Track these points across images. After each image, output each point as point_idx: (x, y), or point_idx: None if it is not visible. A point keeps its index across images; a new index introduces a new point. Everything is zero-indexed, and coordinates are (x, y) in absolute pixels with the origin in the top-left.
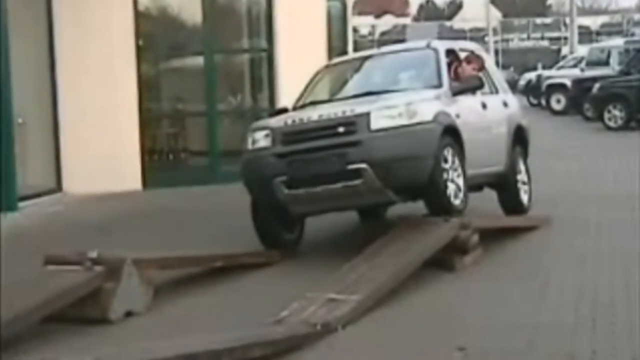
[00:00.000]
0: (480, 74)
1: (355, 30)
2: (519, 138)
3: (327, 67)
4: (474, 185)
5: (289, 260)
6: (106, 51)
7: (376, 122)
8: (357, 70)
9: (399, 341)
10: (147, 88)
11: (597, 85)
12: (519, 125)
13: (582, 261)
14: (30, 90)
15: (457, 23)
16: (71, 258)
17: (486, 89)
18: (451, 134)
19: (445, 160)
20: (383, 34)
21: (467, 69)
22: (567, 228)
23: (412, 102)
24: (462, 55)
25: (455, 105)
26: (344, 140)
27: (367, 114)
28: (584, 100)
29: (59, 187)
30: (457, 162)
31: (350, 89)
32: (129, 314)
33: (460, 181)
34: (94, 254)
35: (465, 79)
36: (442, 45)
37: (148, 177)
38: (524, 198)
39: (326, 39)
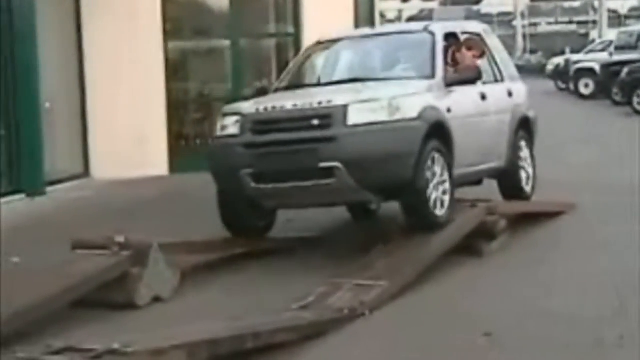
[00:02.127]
0: (481, 62)
1: (382, 15)
2: (525, 130)
3: (318, 44)
4: (470, 181)
5: (314, 246)
6: (134, 36)
7: (354, 117)
8: (347, 51)
9: (426, 326)
10: (174, 73)
11: (625, 70)
12: (524, 117)
13: (608, 247)
14: (57, 75)
15: (484, 7)
16: (98, 243)
17: (490, 76)
18: (439, 132)
19: (430, 165)
20: (410, 18)
21: (467, 56)
22: (594, 214)
23: (396, 96)
24: (465, 39)
25: (448, 98)
26: (317, 135)
27: (345, 107)
28: (613, 85)
29: (86, 172)
30: (443, 167)
31: (336, 72)
32: (155, 299)
33: (446, 189)
34: (121, 239)
35: (462, 69)
36: (441, 29)
37: (175, 162)
38: (526, 187)
39: (353, 24)
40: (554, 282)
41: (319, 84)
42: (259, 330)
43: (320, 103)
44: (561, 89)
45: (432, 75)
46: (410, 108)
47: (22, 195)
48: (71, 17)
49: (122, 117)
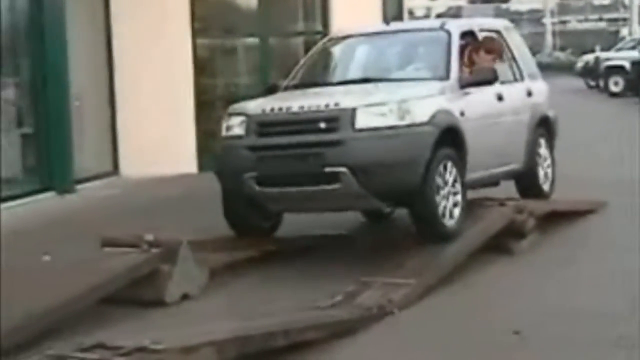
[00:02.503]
0: (498, 62)
1: (410, 12)
2: (544, 130)
3: (330, 40)
4: (485, 184)
5: (342, 245)
6: (162, 34)
7: (361, 120)
8: (360, 49)
9: (455, 325)
10: (202, 71)
11: None
12: (544, 116)
13: (638, 247)
14: (86, 73)
15: (514, 5)
16: (128, 240)
17: (508, 76)
18: (451, 137)
19: (441, 172)
20: (438, 16)
21: (484, 57)
22: (624, 213)
23: (406, 99)
24: (483, 36)
25: (462, 101)
26: (323, 139)
27: (352, 110)
28: None
29: (115, 170)
30: (455, 176)
31: (347, 71)
32: (184, 297)
33: (458, 198)
34: (150, 237)
35: (477, 71)
36: (458, 28)
37: (203, 160)
38: (545, 186)
39: (381, 22)
40: (583, 281)
41: (329, 83)
42: (288, 328)
43: (327, 105)
44: (591, 87)
45: (446, 77)
46: (421, 112)
47: (52, 193)
48: (100, 15)
49: (151, 114)
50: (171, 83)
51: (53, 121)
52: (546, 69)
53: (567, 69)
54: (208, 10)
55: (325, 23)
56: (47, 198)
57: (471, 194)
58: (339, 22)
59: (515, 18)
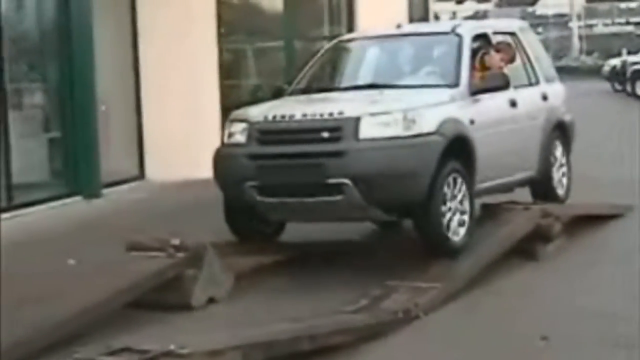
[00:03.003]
0: (513, 66)
1: (436, 16)
2: (560, 135)
3: (339, 42)
4: (497, 192)
5: (368, 249)
6: (188, 39)
7: (365, 130)
8: (368, 53)
9: (481, 329)
10: (228, 74)
11: None
12: (559, 121)
13: None
14: (113, 78)
15: (540, 8)
16: (154, 244)
17: (523, 79)
18: (459, 148)
19: (448, 186)
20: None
21: (496, 61)
22: None
23: (413, 108)
24: (497, 39)
25: (472, 108)
26: (325, 149)
27: (356, 120)
28: None
29: (141, 174)
30: (464, 193)
31: (354, 76)
32: (210, 301)
33: (465, 212)
34: (176, 241)
35: (489, 77)
36: (470, 31)
37: None
38: (560, 191)
39: None
40: (610, 285)
41: (335, 89)
42: (314, 332)
43: (331, 114)
44: (617, 91)
45: (456, 83)
46: (428, 121)
47: (79, 198)
48: (127, 20)
49: (176, 119)
50: (197, 87)
51: (80, 125)
52: (573, 72)
53: (594, 72)
54: (234, 13)
55: (351, 27)
56: (74, 202)
57: (496, 198)
58: (364, 26)
59: (542, 22)
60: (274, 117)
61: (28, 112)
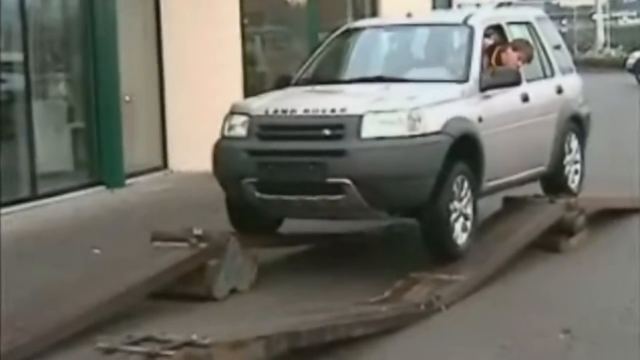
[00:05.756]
0: (526, 59)
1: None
2: (575, 128)
3: (347, 31)
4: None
5: (391, 241)
6: (212, 31)
7: (368, 129)
8: (376, 43)
9: (503, 322)
10: (251, 66)
11: None
12: (574, 114)
13: None
14: (137, 68)
15: (564, 1)
16: (177, 235)
17: (537, 72)
18: (466, 147)
19: (453, 187)
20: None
21: (513, 60)
22: None
23: (418, 106)
24: (512, 30)
25: (481, 105)
26: (326, 147)
27: (359, 118)
28: None
29: (164, 165)
30: (469, 197)
31: (360, 67)
32: (233, 291)
33: (469, 215)
34: (199, 231)
35: (499, 73)
36: (482, 22)
37: None
38: (572, 185)
39: None
40: (632, 279)
41: (340, 81)
42: (337, 324)
43: (333, 110)
44: None
45: (465, 78)
46: (434, 120)
47: (102, 187)
48: (151, 9)
49: (199, 109)
50: (220, 78)
51: (103, 116)
52: (597, 65)
53: (618, 65)
54: (257, 3)
55: (374, 17)
56: (97, 192)
57: (520, 191)
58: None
59: (566, 14)
60: (276, 111)
61: (52, 102)
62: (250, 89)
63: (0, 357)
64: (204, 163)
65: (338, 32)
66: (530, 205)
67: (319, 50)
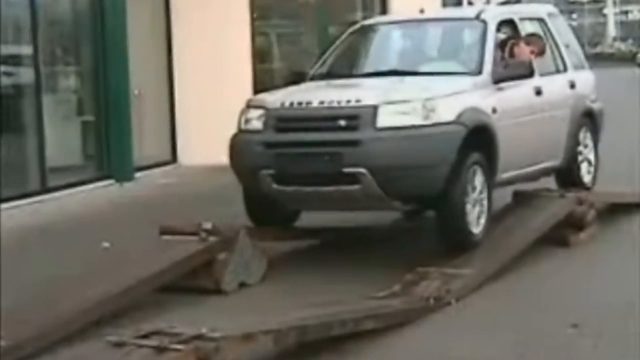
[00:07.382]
0: (538, 53)
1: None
2: (588, 123)
3: (361, 27)
4: (521, 182)
5: (399, 235)
6: (221, 24)
7: (383, 119)
8: (390, 38)
9: (512, 316)
10: (261, 59)
11: None
12: (587, 110)
13: None
14: (146, 62)
15: None
16: (186, 229)
17: (550, 67)
18: (480, 137)
19: (468, 176)
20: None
21: (523, 48)
22: None
23: (433, 97)
24: (524, 25)
25: (494, 97)
26: (342, 138)
27: (374, 108)
28: None
29: (173, 159)
30: (483, 183)
31: (375, 62)
32: (242, 285)
33: (483, 206)
34: (208, 225)
35: (512, 65)
36: (495, 17)
37: None
38: (586, 180)
39: None
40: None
41: (355, 75)
42: (345, 318)
43: (348, 101)
44: None
45: (479, 71)
46: (448, 110)
47: (111, 181)
48: (161, 3)
49: (209, 103)
50: (230, 71)
51: (113, 109)
52: (607, 59)
53: (628, 59)
54: (267, 0)
55: (384, 12)
56: (107, 186)
57: (530, 185)
58: (398, 11)
59: (576, 8)
60: (291, 103)
61: (62, 96)
62: (260, 83)
63: (2, 351)
64: (213, 157)
65: (352, 29)
66: (540, 199)
67: (333, 47)
